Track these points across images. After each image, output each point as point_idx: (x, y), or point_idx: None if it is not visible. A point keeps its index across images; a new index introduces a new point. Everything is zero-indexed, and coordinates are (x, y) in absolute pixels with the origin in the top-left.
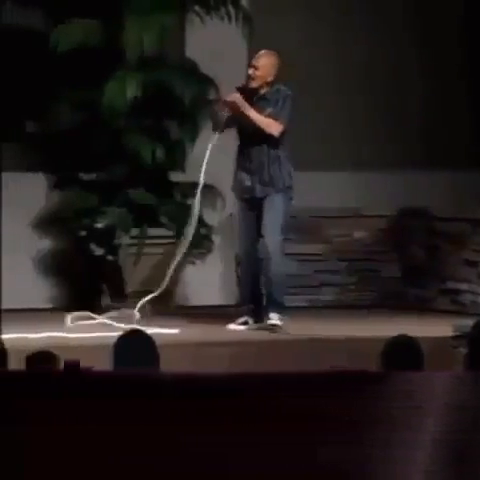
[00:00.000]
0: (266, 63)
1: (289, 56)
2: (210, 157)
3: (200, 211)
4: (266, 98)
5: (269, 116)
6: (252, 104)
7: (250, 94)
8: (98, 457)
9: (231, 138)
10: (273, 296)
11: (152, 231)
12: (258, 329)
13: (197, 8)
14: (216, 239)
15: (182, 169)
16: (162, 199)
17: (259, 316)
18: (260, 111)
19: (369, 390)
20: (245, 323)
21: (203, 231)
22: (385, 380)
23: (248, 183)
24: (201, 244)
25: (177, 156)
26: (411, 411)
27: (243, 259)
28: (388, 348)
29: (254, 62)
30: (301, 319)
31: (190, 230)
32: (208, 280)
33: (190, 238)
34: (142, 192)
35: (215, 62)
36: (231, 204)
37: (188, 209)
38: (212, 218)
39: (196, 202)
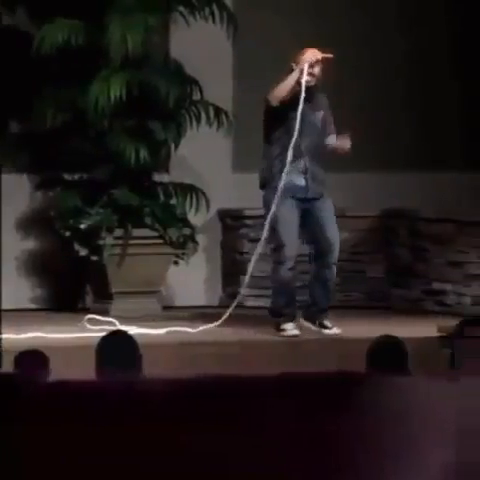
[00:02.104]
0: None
1: (274, 55)
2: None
3: (183, 213)
4: (319, 100)
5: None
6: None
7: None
8: (83, 458)
9: (218, 138)
10: (326, 302)
11: (136, 231)
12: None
13: (181, 8)
14: (201, 240)
15: (166, 169)
16: (146, 199)
17: (311, 318)
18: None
19: (352, 393)
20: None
21: (187, 232)
22: (367, 382)
23: (301, 182)
24: (185, 245)
25: (161, 156)
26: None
27: (291, 259)
28: (373, 349)
29: (316, 59)
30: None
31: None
32: (193, 281)
33: None
34: (126, 192)
35: (200, 62)
36: (215, 204)
37: (172, 209)
38: (196, 219)
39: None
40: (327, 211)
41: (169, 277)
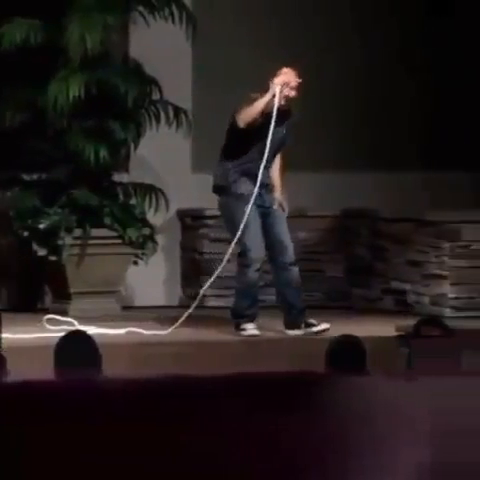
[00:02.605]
0: None
1: (234, 56)
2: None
3: (143, 213)
4: (286, 117)
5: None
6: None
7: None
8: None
9: (178, 138)
10: (301, 302)
11: (95, 231)
12: (306, 334)
13: (141, 8)
14: (160, 240)
15: (126, 169)
16: (105, 199)
17: (295, 324)
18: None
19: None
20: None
21: (146, 232)
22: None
23: (258, 192)
24: (145, 245)
25: (121, 156)
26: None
27: (257, 261)
28: (332, 347)
29: (295, 82)
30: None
31: None
32: (152, 281)
33: None
34: (85, 192)
35: (159, 62)
36: (175, 204)
37: (131, 209)
38: (156, 219)
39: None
40: (278, 215)
41: (128, 277)
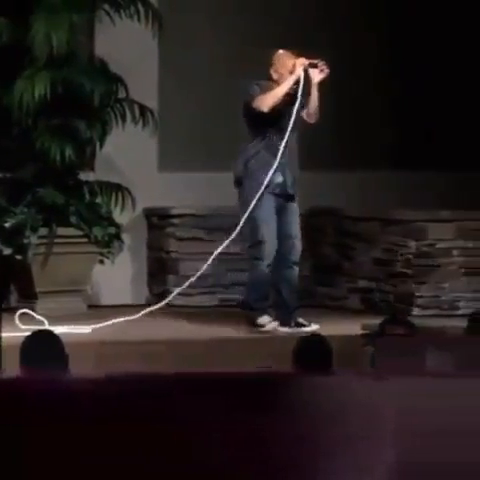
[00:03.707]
0: None
1: (200, 55)
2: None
3: (109, 212)
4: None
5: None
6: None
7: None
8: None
9: (144, 137)
10: (296, 301)
11: (61, 230)
12: (294, 333)
13: (106, 7)
14: (126, 239)
15: (92, 168)
16: (71, 198)
17: (285, 321)
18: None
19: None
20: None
21: (113, 231)
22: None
23: (280, 179)
24: (111, 243)
25: (86, 155)
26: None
27: (270, 256)
28: (299, 346)
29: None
30: (213, 319)
31: None
32: (118, 280)
33: None
34: (51, 191)
35: (125, 61)
36: (141, 203)
37: (97, 208)
38: (122, 218)
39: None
40: (294, 211)
41: (94, 276)
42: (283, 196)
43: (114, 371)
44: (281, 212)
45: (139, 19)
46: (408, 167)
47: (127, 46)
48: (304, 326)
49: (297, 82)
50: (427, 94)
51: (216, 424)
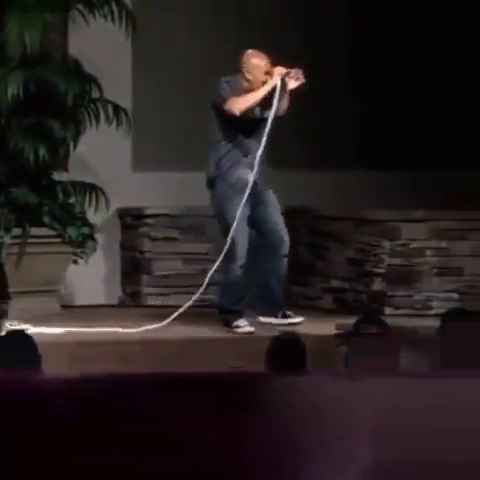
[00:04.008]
0: None
1: (174, 55)
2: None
3: (82, 212)
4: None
5: None
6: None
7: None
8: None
9: (118, 137)
10: (283, 294)
11: (34, 230)
12: (281, 326)
13: (80, 6)
14: (100, 239)
15: (65, 168)
16: (45, 198)
17: (272, 312)
18: None
19: (252, 392)
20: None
21: (86, 231)
22: (268, 382)
23: (249, 177)
24: (85, 244)
25: (60, 155)
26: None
27: (242, 257)
28: (273, 346)
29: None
30: (187, 319)
31: None
32: (92, 280)
33: None
34: (24, 191)
35: (98, 61)
36: (115, 203)
37: (71, 208)
38: (96, 218)
39: None
40: (273, 204)
41: (68, 276)
42: (257, 192)
43: (88, 371)
44: (258, 208)
45: (113, 19)
46: (381, 167)
47: (101, 46)
48: (290, 317)
49: (273, 90)
50: (401, 94)
51: (189, 424)
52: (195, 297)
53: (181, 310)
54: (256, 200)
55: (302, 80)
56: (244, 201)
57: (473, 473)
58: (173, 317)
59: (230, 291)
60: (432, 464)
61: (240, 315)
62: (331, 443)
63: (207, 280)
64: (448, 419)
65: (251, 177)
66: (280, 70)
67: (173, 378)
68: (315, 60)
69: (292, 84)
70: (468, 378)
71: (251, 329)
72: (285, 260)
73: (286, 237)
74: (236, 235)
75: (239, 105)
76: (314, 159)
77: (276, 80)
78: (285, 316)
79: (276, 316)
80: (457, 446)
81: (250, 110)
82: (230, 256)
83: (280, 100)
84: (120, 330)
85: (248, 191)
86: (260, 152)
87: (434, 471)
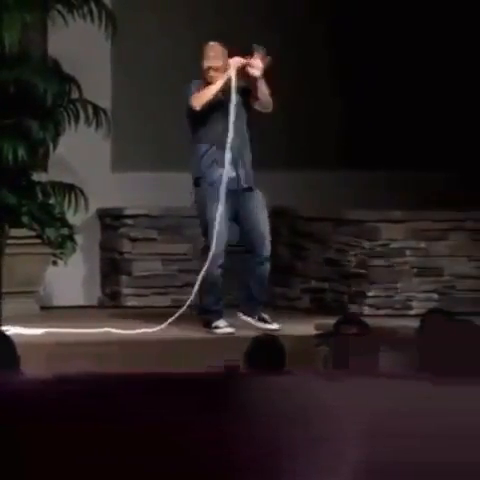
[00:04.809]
0: None
1: (153, 55)
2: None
3: (62, 212)
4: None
5: None
6: None
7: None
8: None
9: (97, 138)
10: (264, 296)
11: (14, 231)
12: (255, 325)
13: (59, 7)
14: (79, 239)
15: (44, 169)
16: (24, 199)
17: (250, 309)
18: None
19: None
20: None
21: (66, 231)
22: (246, 382)
23: (232, 174)
24: (64, 244)
25: (39, 155)
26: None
27: (221, 256)
28: (251, 347)
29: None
30: (166, 319)
31: None
32: (71, 281)
33: None
34: (3, 192)
35: (78, 61)
36: (94, 204)
37: (50, 209)
38: (75, 218)
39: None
40: (257, 205)
41: (47, 277)
42: (239, 191)
43: (64, 372)
44: (241, 207)
45: (92, 19)
46: (360, 167)
47: (80, 46)
48: (266, 323)
49: (230, 81)
50: (380, 95)
51: (170, 424)
52: (191, 298)
53: (179, 313)
54: (240, 200)
55: (267, 60)
56: (223, 200)
57: (459, 473)
58: (172, 319)
59: (209, 292)
60: (419, 464)
61: (219, 316)
62: (316, 443)
63: (199, 281)
64: (432, 420)
65: (232, 173)
66: (235, 61)
67: (153, 378)
68: (294, 61)
69: (257, 69)
70: (451, 384)
71: (231, 330)
72: (266, 264)
73: (268, 240)
74: (214, 235)
75: (197, 100)
76: (293, 159)
77: (229, 72)
78: (261, 320)
79: (253, 317)
80: (443, 447)
81: (214, 103)
82: (207, 257)
83: (246, 92)
84: (112, 330)
85: (224, 190)
86: (229, 142)
87: (422, 471)
